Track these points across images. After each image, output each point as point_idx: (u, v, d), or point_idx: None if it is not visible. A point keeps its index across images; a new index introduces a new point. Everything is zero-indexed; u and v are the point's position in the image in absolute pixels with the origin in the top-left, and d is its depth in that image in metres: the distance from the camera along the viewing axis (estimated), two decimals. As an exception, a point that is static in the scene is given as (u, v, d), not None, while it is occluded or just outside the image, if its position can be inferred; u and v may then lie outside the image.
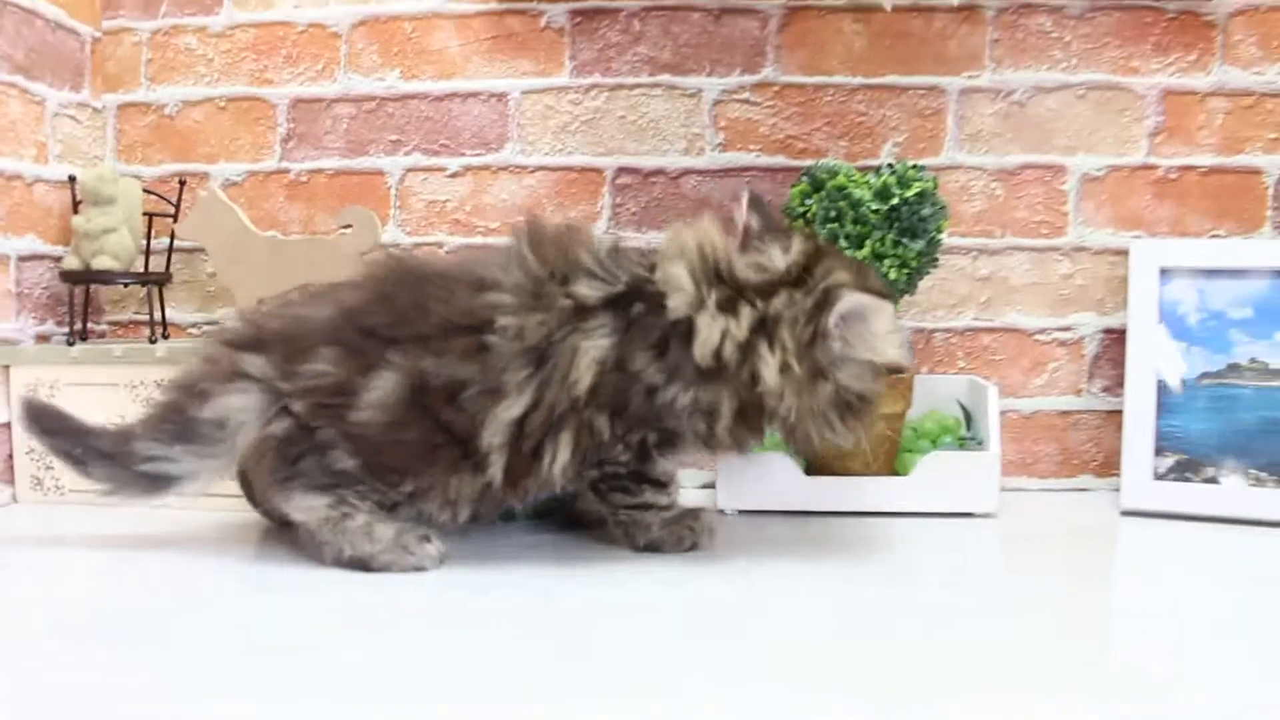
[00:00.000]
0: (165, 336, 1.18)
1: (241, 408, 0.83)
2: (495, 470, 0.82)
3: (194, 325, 1.25)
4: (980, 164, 1.18)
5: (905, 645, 0.66)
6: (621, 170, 1.20)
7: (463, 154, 1.21)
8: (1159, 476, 1.07)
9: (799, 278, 0.83)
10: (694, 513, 0.90)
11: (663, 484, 0.88)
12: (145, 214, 1.16)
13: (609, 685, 0.59)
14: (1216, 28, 1.15)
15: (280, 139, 1.23)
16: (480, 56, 1.20)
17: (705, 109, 1.19)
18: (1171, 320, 1.10)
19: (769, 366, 0.81)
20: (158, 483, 0.85)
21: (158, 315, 1.17)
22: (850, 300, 0.81)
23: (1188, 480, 1.06)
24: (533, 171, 1.21)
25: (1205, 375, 1.09)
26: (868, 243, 0.99)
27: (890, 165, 1.03)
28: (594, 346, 0.80)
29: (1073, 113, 1.17)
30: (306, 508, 0.82)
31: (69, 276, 1.12)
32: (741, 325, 0.81)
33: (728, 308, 0.82)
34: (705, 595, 0.77)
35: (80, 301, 1.15)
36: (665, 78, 1.19)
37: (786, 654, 0.65)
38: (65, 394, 1.07)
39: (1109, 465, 1.17)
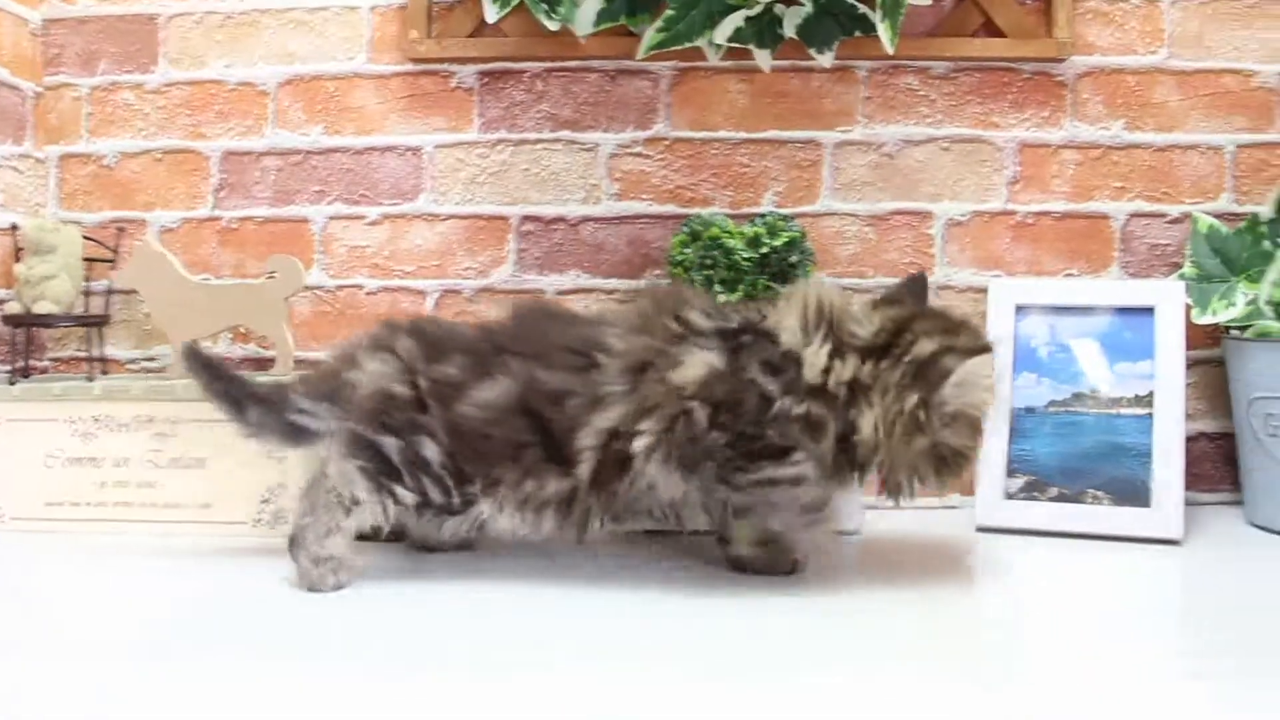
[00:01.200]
0: (104, 373, 1.27)
1: (376, 372, 0.95)
2: (584, 469, 0.90)
3: (132, 361, 1.34)
4: (854, 210, 1.29)
5: (740, 622, 0.77)
6: (526, 218, 1.30)
7: (381, 203, 1.31)
8: (1010, 496, 1.18)
9: (889, 343, 0.90)
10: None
11: (784, 450, 0.89)
12: (85, 259, 1.25)
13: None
14: (1067, 87, 1.27)
15: (213, 189, 1.33)
16: (397, 114, 1.31)
17: (602, 162, 1.29)
18: (1025, 353, 1.22)
19: (866, 421, 0.88)
20: (300, 435, 0.97)
21: (97, 352, 1.26)
22: (963, 368, 0.88)
23: (1035, 499, 1.17)
24: (445, 219, 1.31)
25: (1053, 403, 1.20)
26: (740, 287, 1.10)
27: (762, 216, 1.14)
28: (706, 353, 0.89)
29: (938, 163, 1.28)
30: (341, 465, 0.93)
31: (12, 320, 1.21)
32: (846, 368, 0.89)
33: (834, 354, 0.89)
34: (577, 596, 0.88)
35: (23, 342, 1.24)
36: (565, 133, 1.29)
37: (650, 634, 0.76)
38: (6, 430, 1.16)
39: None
